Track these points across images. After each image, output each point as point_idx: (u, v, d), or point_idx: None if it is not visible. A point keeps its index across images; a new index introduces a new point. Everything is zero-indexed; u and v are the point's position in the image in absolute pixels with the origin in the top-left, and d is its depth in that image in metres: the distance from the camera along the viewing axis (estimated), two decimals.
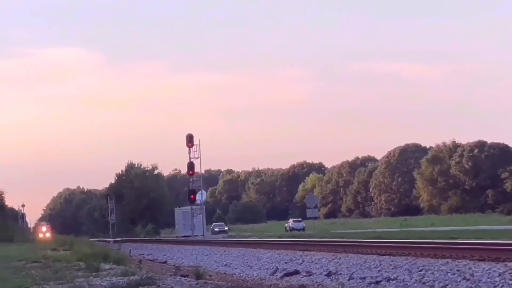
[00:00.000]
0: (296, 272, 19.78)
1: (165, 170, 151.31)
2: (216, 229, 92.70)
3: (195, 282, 15.69)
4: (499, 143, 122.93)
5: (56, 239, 57.69)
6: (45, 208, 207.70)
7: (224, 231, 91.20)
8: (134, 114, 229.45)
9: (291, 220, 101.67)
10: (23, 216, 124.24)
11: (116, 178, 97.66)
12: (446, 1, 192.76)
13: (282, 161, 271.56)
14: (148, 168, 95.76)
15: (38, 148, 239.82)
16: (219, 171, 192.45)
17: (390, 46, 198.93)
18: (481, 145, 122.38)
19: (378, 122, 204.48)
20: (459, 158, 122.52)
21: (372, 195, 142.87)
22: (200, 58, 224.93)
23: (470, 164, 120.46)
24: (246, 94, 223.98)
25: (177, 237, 71.62)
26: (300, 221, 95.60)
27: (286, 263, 22.46)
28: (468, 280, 14.45)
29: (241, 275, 21.66)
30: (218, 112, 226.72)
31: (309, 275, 18.92)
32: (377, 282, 16.16)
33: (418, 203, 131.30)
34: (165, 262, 30.85)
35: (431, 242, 23.39)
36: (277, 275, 20.11)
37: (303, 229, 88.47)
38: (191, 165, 63.37)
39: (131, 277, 15.51)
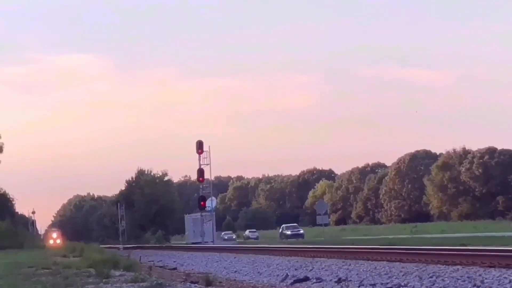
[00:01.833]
0: (306, 279, 19.76)
1: (175, 176, 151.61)
2: (289, 232, 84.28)
3: None
4: (509, 150, 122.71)
5: (66, 246, 57.81)
6: (55, 215, 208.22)
7: (299, 235, 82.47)
8: (144, 120, 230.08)
9: (247, 231, 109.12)
10: (33, 222, 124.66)
11: (126, 184, 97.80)
12: (456, 6, 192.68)
13: (292, 168, 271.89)
14: (158, 175, 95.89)
15: (48, 154, 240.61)
16: (229, 177, 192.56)
17: (400, 52, 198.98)
18: (491, 151, 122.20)
19: (388, 128, 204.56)
20: (469, 164, 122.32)
21: (382, 202, 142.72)
22: (209, 63, 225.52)
23: (480, 170, 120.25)
24: (256, 100, 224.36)
25: (186, 243, 71.64)
26: (254, 232, 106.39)
27: (296, 269, 22.44)
28: (478, 287, 14.43)
29: (251, 281, 21.64)
30: (228, 118, 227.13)
31: (319, 282, 18.91)
32: None
33: (428, 209, 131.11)
34: (175, 268, 30.83)
35: (442, 248, 23.35)
36: (287, 282, 20.09)
37: (256, 238, 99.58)
38: (201, 172, 63.36)
39: (141, 284, 15.53)
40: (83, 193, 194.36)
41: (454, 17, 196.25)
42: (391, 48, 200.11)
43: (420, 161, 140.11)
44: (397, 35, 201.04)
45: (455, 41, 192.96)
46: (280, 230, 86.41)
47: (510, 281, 14.33)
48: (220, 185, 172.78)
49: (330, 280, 18.77)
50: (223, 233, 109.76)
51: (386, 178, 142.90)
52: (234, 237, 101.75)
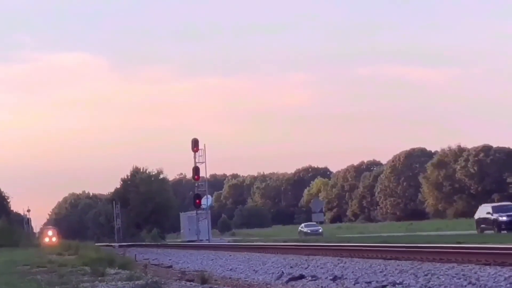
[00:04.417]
0: (301, 277, 19.77)
1: (171, 174, 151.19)
2: (504, 218, 49.90)
3: (200, 287, 15.70)
4: (504, 148, 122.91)
5: (61, 244, 57.73)
6: (50, 213, 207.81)
7: None
8: (139, 119, 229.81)
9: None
10: (28, 221, 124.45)
11: (122, 182, 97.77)
12: (451, 4, 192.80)
13: (287, 166, 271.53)
14: (154, 173, 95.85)
15: (43, 152, 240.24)
16: (224, 175, 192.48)
17: (395, 50, 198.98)
18: (486, 149, 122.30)
19: (383, 126, 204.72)
20: (464, 162, 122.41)
21: (378, 200, 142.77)
22: (205, 62, 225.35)
23: (475, 168, 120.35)
24: (252, 98, 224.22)
25: (182, 241, 71.59)
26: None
27: (291, 267, 22.43)
28: (474, 284, 14.45)
29: (247, 279, 21.65)
30: (224, 116, 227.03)
31: (315, 280, 18.91)
32: (383, 287, 16.15)
33: (424, 207, 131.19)
34: (171, 266, 30.83)
35: (437, 246, 23.35)
36: (282, 280, 20.10)
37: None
38: (196, 170, 63.36)
39: (137, 282, 15.52)
40: (78, 191, 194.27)
41: (449, 15, 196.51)
42: (386, 46, 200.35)
43: (415, 159, 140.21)
44: (393, 33, 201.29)
45: (450, 40, 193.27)
46: (478, 215, 53.15)
47: (505, 279, 14.36)
48: (216, 183, 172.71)
49: (326, 278, 18.77)
50: (303, 225, 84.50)
51: (381, 176, 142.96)
52: (320, 230, 79.17)
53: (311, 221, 75.76)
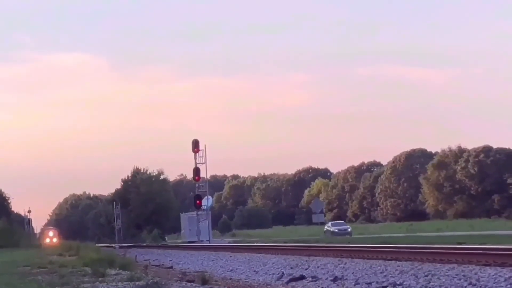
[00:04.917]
0: (302, 278, 19.77)
1: (171, 175, 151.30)
2: None
3: None
4: (505, 148, 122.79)
5: (62, 245, 57.75)
6: (51, 214, 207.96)
7: None
8: (140, 119, 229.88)
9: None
10: (29, 221, 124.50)
11: (122, 183, 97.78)
12: (451, 4, 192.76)
13: (287, 166, 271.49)
14: (154, 174, 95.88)
15: (44, 153, 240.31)
16: (225, 176, 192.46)
17: (395, 51, 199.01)
18: (487, 150, 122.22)
19: (384, 127, 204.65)
20: (465, 163, 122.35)
21: (378, 200, 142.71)
22: (205, 62, 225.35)
23: (476, 169, 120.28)
24: (252, 99, 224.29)
25: (182, 242, 71.58)
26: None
27: (292, 268, 22.43)
28: (474, 285, 14.45)
29: (247, 280, 21.66)
30: (224, 116, 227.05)
31: (315, 280, 18.91)
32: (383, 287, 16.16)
33: (424, 208, 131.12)
34: (171, 267, 30.82)
35: (437, 247, 23.36)
36: (283, 280, 20.11)
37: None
38: (197, 171, 63.37)
39: (137, 283, 15.53)
40: (79, 192, 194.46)
41: (449, 15, 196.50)
42: (386, 46, 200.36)
43: (416, 160, 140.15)
44: (393, 33, 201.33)
45: (450, 40, 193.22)
46: None
47: (505, 280, 14.36)
48: (216, 183, 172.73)
49: (326, 279, 18.78)
50: (330, 224, 78.91)
51: (382, 176, 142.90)
52: (349, 229, 76.06)
53: (312, 222, 75.54)
